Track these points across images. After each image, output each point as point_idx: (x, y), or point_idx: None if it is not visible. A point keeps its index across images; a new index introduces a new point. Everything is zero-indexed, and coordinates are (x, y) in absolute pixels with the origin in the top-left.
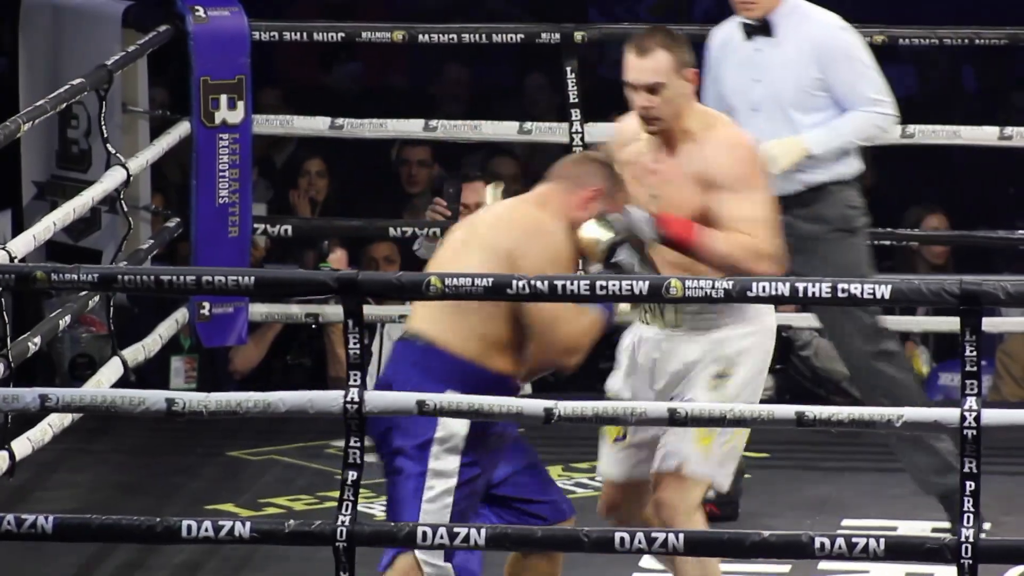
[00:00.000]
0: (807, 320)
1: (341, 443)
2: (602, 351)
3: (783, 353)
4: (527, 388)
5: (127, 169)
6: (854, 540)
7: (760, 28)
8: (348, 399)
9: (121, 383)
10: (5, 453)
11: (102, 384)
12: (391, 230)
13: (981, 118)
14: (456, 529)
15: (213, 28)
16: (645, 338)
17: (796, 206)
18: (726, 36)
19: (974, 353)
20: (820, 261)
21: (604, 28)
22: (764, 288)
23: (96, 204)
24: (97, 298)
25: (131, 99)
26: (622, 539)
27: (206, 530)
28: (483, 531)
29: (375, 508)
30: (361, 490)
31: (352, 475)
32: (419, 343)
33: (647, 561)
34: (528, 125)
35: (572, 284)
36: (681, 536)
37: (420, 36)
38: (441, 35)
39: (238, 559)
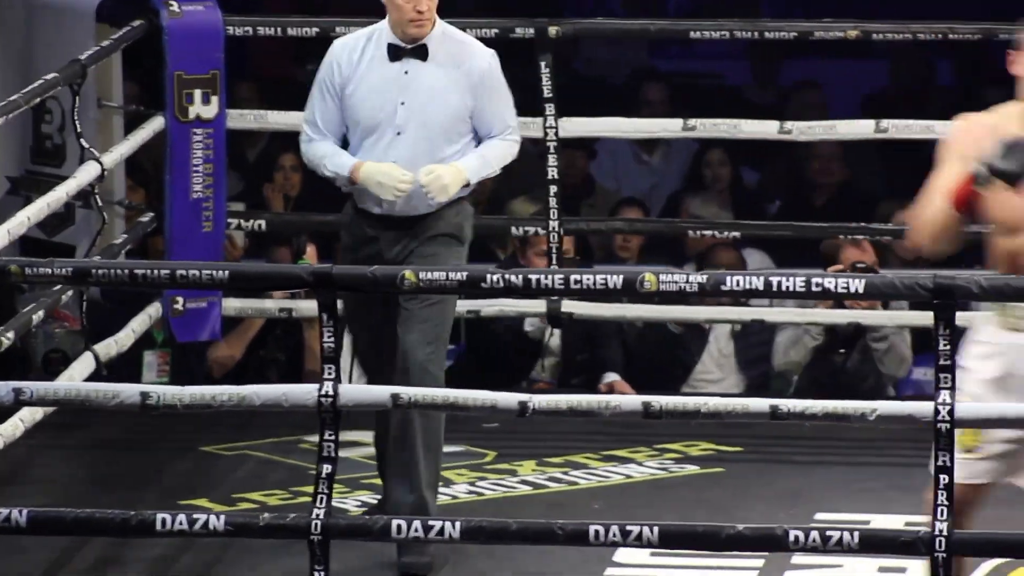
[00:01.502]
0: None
1: (314, 438)
2: (579, 347)
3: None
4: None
5: (101, 164)
6: (828, 533)
7: (412, 50)
8: (323, 393)
9: (93, 378)
10: None
11: (74, 378)
12: None
13: (955, 113)
14: (431, 522)
15: (187, 23)
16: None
17: (420, 221)
18: (359, 52)
19: (948, 347)
20: (426, 262)
21: (578, 23)
22: (738, 282)
23: (70, 199)
24: (70, 293)
25: (105, 94)
26: (596, 532)
27: (180, 523)
28: (458, 524)
29: (348, 503)
30: (335, 484)
31: (327, 469)
32: None
33: (621, 554)
34: None
35: (546, 279)
36: (656, 529)
37: None
38: None
39: (212, 553)
